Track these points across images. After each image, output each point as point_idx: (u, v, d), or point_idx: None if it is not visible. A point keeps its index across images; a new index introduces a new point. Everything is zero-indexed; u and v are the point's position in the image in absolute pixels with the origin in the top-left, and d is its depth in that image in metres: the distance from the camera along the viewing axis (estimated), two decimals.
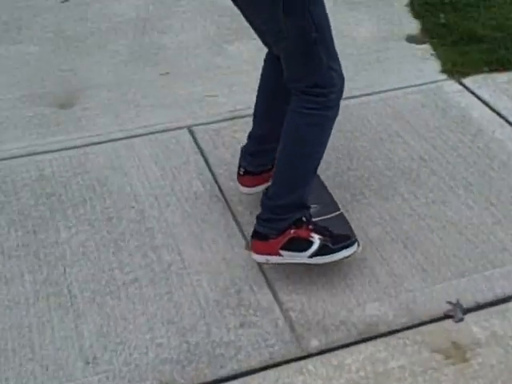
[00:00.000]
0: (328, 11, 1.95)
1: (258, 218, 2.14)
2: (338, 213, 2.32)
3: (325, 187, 2.44)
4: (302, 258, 2.10)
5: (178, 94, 3.13)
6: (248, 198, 2.45)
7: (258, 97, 2.33)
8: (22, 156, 2.72)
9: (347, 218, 2.32)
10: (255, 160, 2.36)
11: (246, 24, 2.12)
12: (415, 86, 3.25)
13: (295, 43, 1.93)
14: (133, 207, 2.46)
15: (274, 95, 2.24)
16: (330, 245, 2.08)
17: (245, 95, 2.94)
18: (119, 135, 2.87)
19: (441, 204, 2.49)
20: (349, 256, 2.11)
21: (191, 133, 2.89)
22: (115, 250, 2.28)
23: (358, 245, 2.14)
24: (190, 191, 2.54)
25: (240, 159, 2.41)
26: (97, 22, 3.84)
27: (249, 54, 3.47)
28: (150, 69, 3.37)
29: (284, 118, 2.05)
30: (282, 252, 2.09)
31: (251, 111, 2.37)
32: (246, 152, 2.39)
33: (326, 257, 2.09)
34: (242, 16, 2.10)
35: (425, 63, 3.42)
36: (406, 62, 3.46)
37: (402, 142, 2.84)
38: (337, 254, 2.09)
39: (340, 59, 2.01)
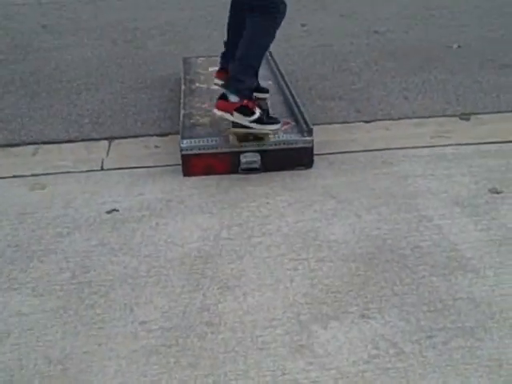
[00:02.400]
0: None
1: (227, 80, 3.29)
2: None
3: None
4: (245, 121, 3.17)
5: None
6: None
7: (229, 16, 3.53)
8: None
9: None
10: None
11: None
12: None
13: None
14: None
15: (240, 12, 3.30)
16: (264, 119, 3.21)
17: None
18: None
19: None
20: (274, 130, 3.24)
21: None
22: None
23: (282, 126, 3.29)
24: None
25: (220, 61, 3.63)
26: (136, 257, 2.63)
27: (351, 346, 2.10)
28: (186, 372, 2.06)
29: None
30: (234, 113, 3.16)
31: None
32: (226, 55, 3.52)
33: (260, 126, 3.20)
34: None
35: None
36: None
37: None
38: (266, 126, 3.21)
39: None
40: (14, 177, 3.31)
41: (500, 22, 5.93)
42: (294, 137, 3.31)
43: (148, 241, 2.73)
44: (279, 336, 2.20)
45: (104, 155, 3.59)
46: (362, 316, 2.28)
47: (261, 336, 2.20)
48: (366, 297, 2.37)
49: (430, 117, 4.02)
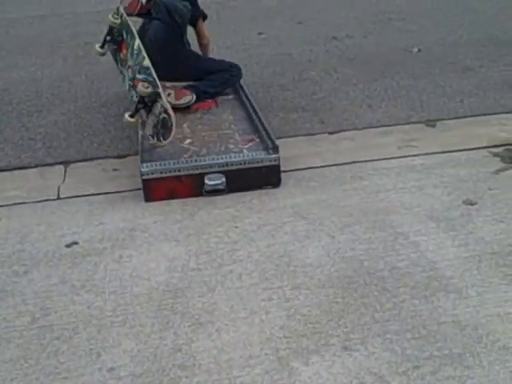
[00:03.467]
0: None
1: None
2: None
3: None
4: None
5: None
6: None
7: None
8: None
9: None
10: None
11: None
12: None
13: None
14: None
15: None
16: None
17: None
18: None
19: None
20: None
21: None
22: None
23: None
24: None
25: None
26: (100, 295, 2.46)
27: (335, 382, 1.97)
28: None
29: None
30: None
31: None
32: None
33: None
34: None
35: None
36: None
37: None
38: None
39: None
40: None
41: (459, 24, 5.91)
42: (260, 155, 3.17)
43: (112, 275, 2.56)
44: (258, 376, 2.06)
45: (60, 182, 3.41)
46: (345, 348, 2.15)
47: (239, 377, 2.06)
48: (347, 326, 2.25)
49: (395, 125, 3.94)
